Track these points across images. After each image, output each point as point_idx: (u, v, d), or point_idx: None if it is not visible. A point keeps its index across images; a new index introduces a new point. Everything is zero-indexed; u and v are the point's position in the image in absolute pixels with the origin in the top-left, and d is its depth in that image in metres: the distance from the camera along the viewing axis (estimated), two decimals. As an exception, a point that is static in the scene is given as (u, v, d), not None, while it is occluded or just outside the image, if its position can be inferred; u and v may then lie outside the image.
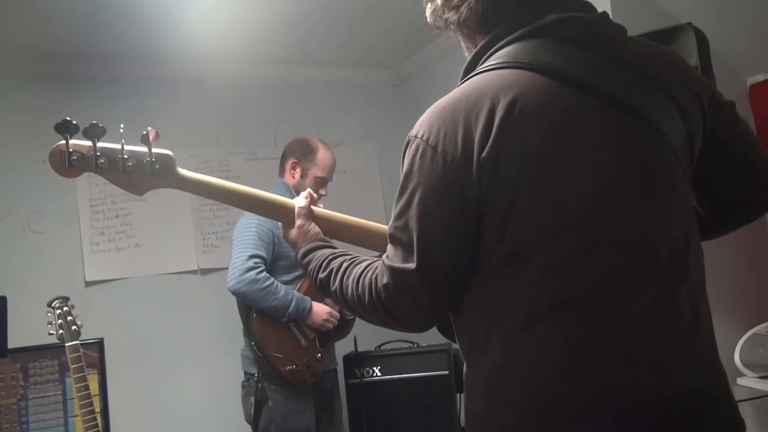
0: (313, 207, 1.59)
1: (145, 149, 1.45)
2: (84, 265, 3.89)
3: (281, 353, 3.04)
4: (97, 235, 3.94)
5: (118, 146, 1.44)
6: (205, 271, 4.18)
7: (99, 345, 3.48)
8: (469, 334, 1.22)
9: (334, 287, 1.35)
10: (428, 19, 1.36)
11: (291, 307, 3.02)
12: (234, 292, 3.04)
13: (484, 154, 1.08)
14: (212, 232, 4.23)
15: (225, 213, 4.21)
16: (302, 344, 3.11)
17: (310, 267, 1.45)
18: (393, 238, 1.21)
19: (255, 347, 3.04)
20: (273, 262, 3.15)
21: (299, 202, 1.58)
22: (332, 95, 4.66)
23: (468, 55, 1.32)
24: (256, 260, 3.04)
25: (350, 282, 1.30)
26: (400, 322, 1.22)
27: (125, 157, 1.44)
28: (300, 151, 3.33)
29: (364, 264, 1.32)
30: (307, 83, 4.59)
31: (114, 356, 3.62)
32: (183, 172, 1.51)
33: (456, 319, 1.25)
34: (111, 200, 3.98)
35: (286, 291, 3.04)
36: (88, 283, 3.88)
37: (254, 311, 3.05)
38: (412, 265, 1.15)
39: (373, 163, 4.79)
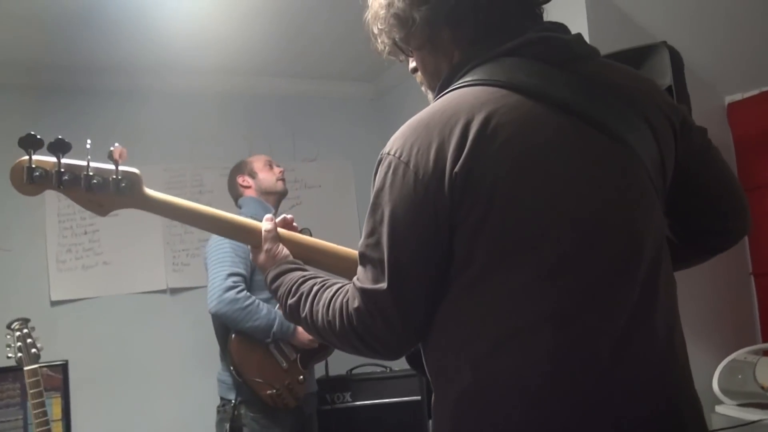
0: (280, 230, 1.53)
1: (111, 166, 1.40)
2: (50, 284, 3.78)
3: (261, 378, 2.94)
4: (63, 253, 3.84)
5: (84, 163, 1.39)
6: (174, 291, 4.08)
7: (63, 367, 3.42)
8: (438, 358, 1.18)
9: (304, 313, 1.29)
10: (384, 41, 1.34)
11: (275, 327, 2.93)
12: (215, 314, 2.96)
13: (456, 169, 1.07)
14: (183, 250, 4.14)
15: (197, 229, 4.10)
16: (283, 366, 3.02)
17: (280, 292, 1.39)
18: (363, 258, 1.17)
19: (234, 372, 2.95)
20: (250, 278, 3.06)
21: (265, 225, 1.52)
22: (308, 109, 4.61)
23: (425, 83, 1.34)
24: (235, 279, 2.95)
25: (320, 307, 1.25)
26: (374, 348, 1.18)
27: (90, 174, 1.38)
28: (236, 171, 3.39)
29: (335, 287, 1.27)
30: (283, 96, 4.53)
31: (79, 379, 3.54)
32: (149, 192, 1.46)
33: (424, 343, 1.21)
34: (80, 216, 3.87)
35: (268, 310, 2.95)
36: (54, 303, 3.77)
37: (233, 334, 2.96)
38: (383, 285, 1.12)
39: (348, 179, 4.74)
